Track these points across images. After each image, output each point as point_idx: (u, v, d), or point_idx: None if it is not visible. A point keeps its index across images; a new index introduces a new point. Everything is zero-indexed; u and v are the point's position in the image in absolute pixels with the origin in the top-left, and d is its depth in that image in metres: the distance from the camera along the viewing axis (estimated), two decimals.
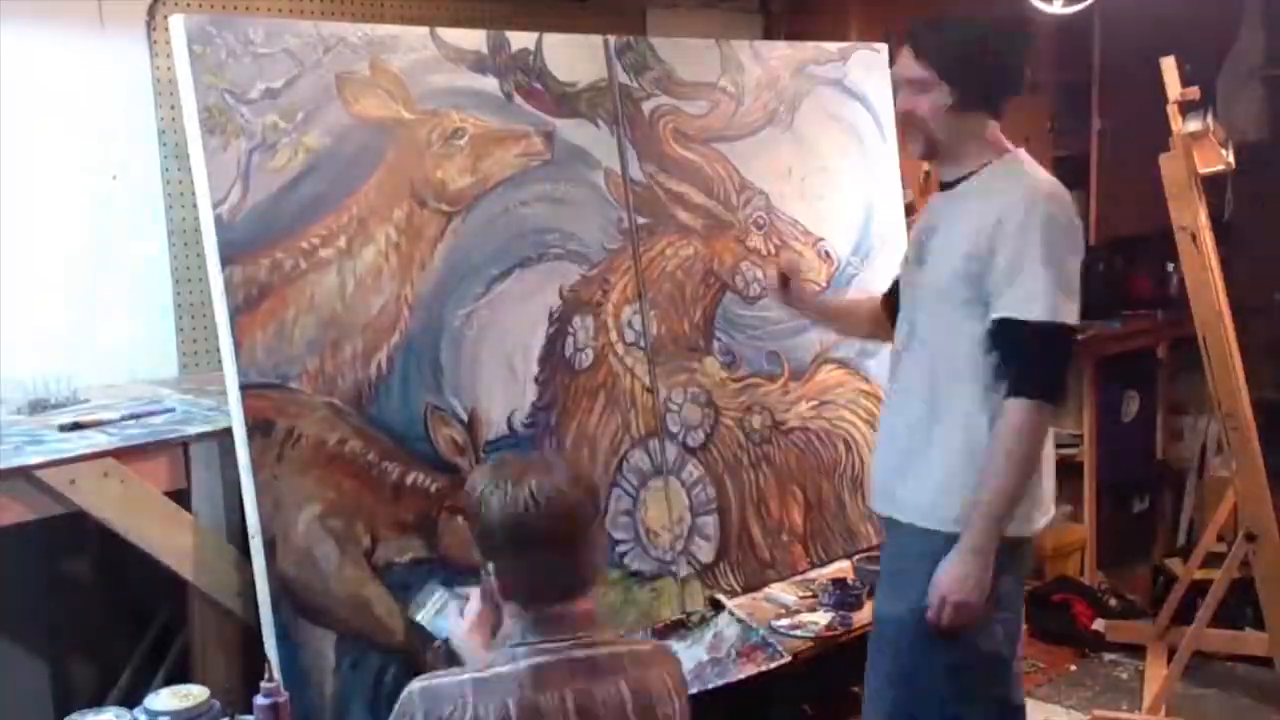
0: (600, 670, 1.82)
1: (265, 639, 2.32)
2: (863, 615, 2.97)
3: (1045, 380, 2.17)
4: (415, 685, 1.83)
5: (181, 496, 2.37)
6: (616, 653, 1.86)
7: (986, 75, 2.25)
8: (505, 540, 1.83)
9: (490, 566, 1.88)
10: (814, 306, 2.91)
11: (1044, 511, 2.31)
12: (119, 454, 2.28)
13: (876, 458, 2.47)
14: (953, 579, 2.16)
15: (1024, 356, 2.16)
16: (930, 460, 2.26)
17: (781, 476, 3.23)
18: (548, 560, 1.83)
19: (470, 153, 2.67)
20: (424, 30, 2.65)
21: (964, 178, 2.28)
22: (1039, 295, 2.13)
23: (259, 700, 2.09)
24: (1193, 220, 3.45)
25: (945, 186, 2.34)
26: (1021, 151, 2.31)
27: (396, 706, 1.83)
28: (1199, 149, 3.46)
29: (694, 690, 2.38)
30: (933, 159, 2.38)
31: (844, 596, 3.02)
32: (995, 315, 2.17)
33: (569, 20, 3.44)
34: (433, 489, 2.55)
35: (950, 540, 2.19)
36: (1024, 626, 2.39)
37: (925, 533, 2.25)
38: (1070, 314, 2.17)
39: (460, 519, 2.49)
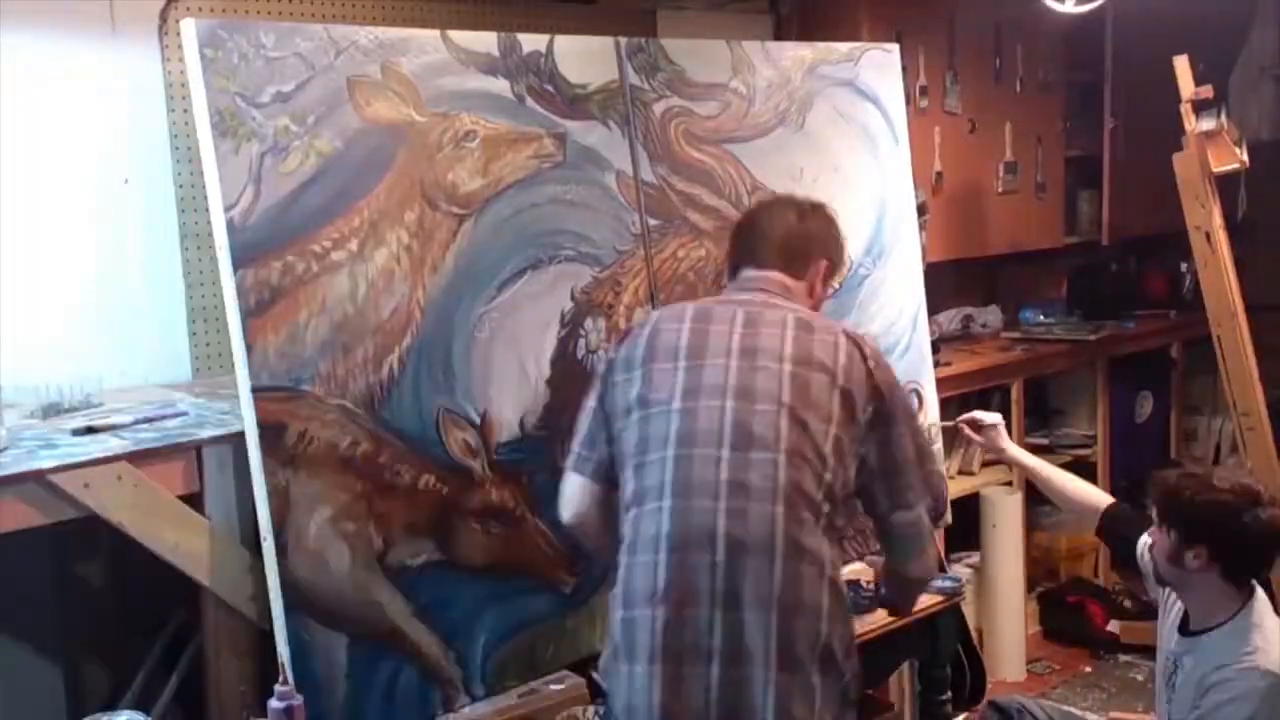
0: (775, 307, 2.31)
1: (278, 642, 2.32)
2: (874, 618, 2.96)
3: None
4: None
5: (194, 500, 2.37)
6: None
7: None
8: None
9: None
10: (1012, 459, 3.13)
11: None
12: (132, 458, 2.28)
13: None
14: None
15: None
16: None
17: None
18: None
19: (481, 155, 2.67)
20: (435, 33, 2.64)
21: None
22: None
23: (273, 704, 2.10)
24: (1206, 219, 3.45)
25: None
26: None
27: None
28: (1212, 148, 3.45)
29: None
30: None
31: (856, 599, 3.00)
32: None
33: (580, 22, 3.44)
34: (445, 491, 2.55)
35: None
36: None
37: None
38: None
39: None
